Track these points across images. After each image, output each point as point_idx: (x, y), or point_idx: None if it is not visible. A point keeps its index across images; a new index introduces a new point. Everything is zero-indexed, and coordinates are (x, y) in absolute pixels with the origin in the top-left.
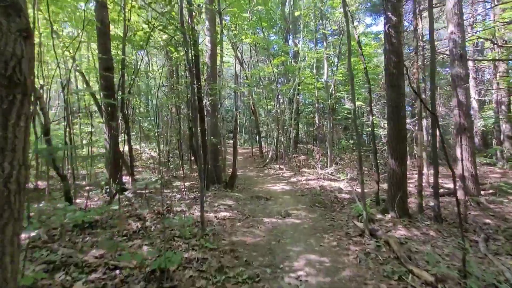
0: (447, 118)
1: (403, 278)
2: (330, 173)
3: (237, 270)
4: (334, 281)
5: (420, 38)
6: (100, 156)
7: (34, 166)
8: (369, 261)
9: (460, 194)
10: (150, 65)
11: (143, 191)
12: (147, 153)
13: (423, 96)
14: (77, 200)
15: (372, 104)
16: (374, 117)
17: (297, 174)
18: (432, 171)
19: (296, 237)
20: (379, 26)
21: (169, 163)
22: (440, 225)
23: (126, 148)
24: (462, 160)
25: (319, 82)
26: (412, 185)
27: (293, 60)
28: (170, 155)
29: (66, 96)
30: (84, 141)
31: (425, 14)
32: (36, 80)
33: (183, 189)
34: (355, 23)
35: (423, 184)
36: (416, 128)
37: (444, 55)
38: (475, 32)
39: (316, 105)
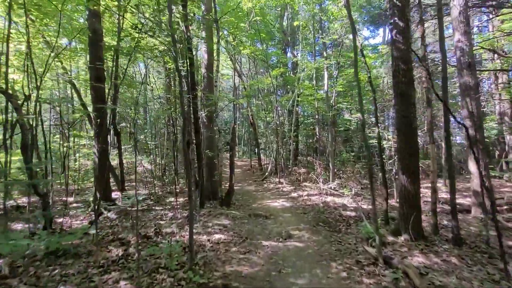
0: (453, 130)
1: None
2: (333, 188)
3: None
4: None
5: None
6: (85, 171)
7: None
8: None
9: (475, 211)
10: (148, 77)
11: (131, 209)
12: (144, 166)
13: (429, 108)
14: (60, 220)
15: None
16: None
17: (297, 189)
18: (439, 186)
19: (299, 265)
20: (377, 39)
21: (164, 177)
22: (461, 249)
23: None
24: (475, 174)
25: (319, 93)
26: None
27: (292, 72)
28: (167, 168)
29: (52, 107)
30: (78, 154)
31: (427, 24)
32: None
33: (176, 206)
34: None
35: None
36: (426, 140)
37: (450, 65)
38: (475, 44)
39: (316, 117)
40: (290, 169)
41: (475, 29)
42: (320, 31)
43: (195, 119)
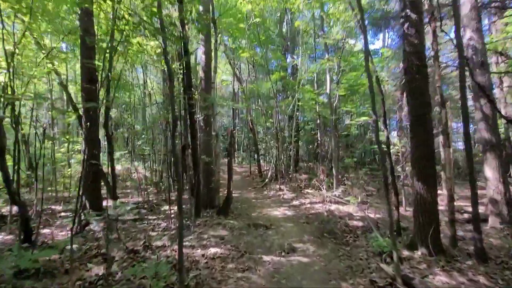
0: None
1: None
2: (337, 195)
3: None
4: None
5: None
6: (80, 178)
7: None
8: None
9: (493, 221)
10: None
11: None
12: (140, 173)
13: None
14: (45, 231)
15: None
16: (381, 133)
17: (299, 196)
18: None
19: (305, 286)
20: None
21: (160, 184)
22: (487, 265)
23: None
24: (492, 180)
25: (320, 99)
26: None
27: (291, 77)
28: (165, 174)
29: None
30: (72, 160)
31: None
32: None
33: (171, 216)
34: (353, 41)
35: (442, 208)
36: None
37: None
38: None
39: (318, 121)
40: (291, 176)
41: None
42: (321, 32)
43: (191, 122)
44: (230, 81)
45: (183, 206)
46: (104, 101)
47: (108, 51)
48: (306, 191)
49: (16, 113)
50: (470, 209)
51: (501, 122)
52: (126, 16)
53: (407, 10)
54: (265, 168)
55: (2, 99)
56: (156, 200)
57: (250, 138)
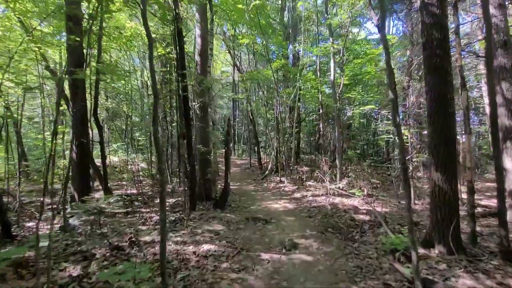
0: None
1: None
2: (341, 187)
3: None
4: None
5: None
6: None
7: None
8: None
9: (511, 215)
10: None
11: (109, 211)
12: (137, 164)
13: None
14: (29, 224)
15: (383, 110)
16: (386, 122)
17: (301, 189)
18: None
19: None
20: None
21: (157, 176)
22: None
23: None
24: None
25: (323, 87)
26: None
27: (293, 66)
28: (163, 166)
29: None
30: (67, 152)
31: None
32: None
33: (166, 208)
34: (357, 30)
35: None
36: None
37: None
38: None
39: (320, 111)
40: (292, 168)
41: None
42: (325, 17)
43: (186, 109)
44: (230, 72)
45: (179, 199)
46: (95, 87)
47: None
48: (308, 184)
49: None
50: (483, 202)
51: None
52: None
53: None
54: (265, 160)
55: None
56: (152, 192)
57: (250, 130)
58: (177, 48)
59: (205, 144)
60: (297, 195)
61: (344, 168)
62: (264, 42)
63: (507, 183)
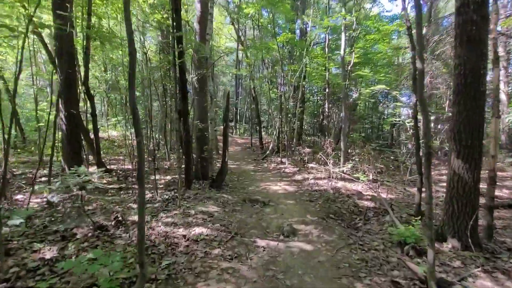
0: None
1: None
2: (345, 171)
3: None
4: None
5: None
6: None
7: None
8: None
9: None
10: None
11: (100, 187)
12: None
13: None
14: (18, 197)
15: (394, 92)
16: (396, 103)
17: (302, 171)
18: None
19: (308, 284)
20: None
21: (156, 152)
22: None
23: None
24: None
25: (332, 64)
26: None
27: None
28: (162, 142)
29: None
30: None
31: None
32: None
33: (157, 186)
34: (369, 5)
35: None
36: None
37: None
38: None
39: (327, 90)
40: (293, 149)
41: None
42: None
43: (182, 81)
44: (234, 48)
45: (175, 176)
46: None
47: None
48: (310, 166)
49: None
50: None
51: None
52: None
53: None
54: (267, 140)
55: None
56: (148, 168)
57: (252, 109)
58: (174, 9)
59: (203, 120)
60: (298, 177)
61: (348, 151)
62: (270, 14)
63: None
